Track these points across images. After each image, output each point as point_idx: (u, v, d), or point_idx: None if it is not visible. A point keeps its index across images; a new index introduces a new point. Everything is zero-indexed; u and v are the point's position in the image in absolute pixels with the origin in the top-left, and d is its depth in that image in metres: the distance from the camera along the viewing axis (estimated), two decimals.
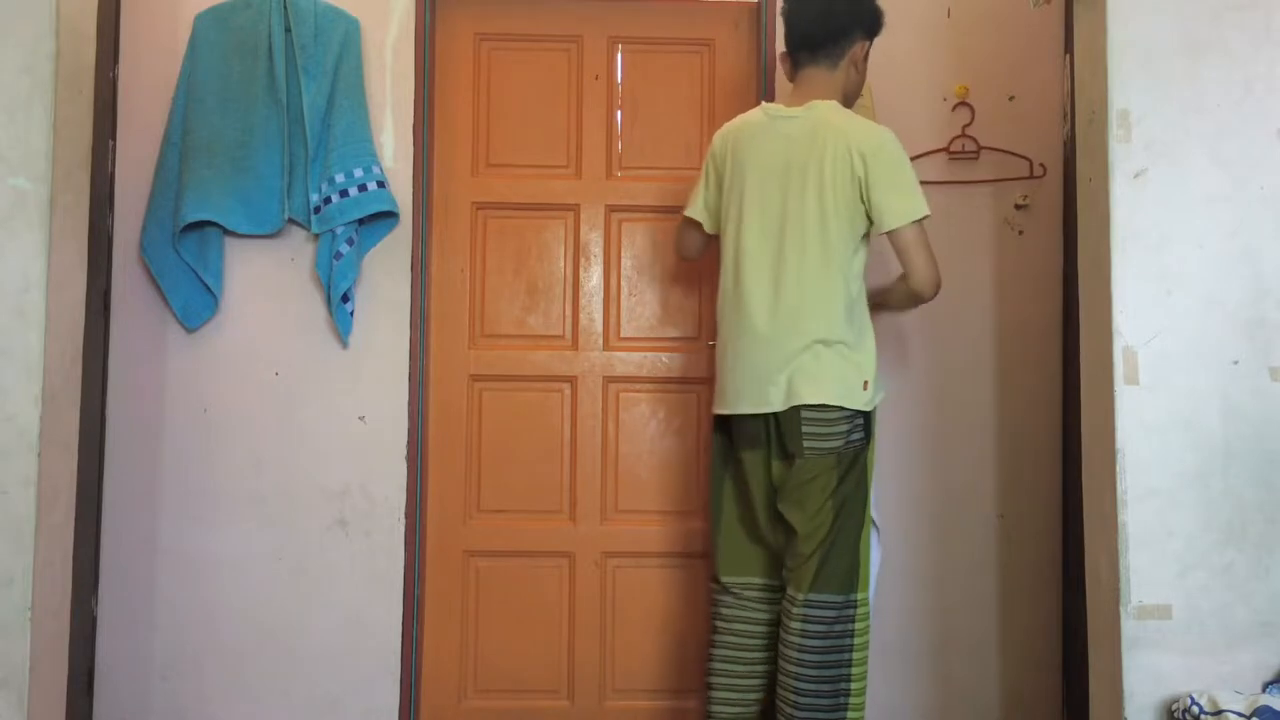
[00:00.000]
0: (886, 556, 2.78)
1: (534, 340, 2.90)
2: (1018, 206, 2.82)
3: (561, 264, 2.91)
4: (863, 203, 2.25)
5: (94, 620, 2.67)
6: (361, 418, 2.74)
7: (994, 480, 2.80)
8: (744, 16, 2.93)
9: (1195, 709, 1.92)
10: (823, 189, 2.25)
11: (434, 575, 2.84)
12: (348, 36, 2.73)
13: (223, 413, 2.73)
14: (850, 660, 2.22)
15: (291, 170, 2.68)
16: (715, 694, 2.36)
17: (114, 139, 2.73)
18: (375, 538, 2.73)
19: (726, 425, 2.39)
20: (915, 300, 2.35)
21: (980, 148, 2.80)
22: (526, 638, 2.84)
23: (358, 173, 2.67)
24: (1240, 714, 1.88)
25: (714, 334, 2.48)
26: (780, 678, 2.25)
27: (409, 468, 2.75)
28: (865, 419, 2.27)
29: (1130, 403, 2.03)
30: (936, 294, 2.32)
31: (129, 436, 2.71)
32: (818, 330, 2.24)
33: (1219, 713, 1.89)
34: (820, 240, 2.25)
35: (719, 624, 2.38)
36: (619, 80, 2.94)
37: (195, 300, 2.71)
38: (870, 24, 2.40)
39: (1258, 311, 2.06)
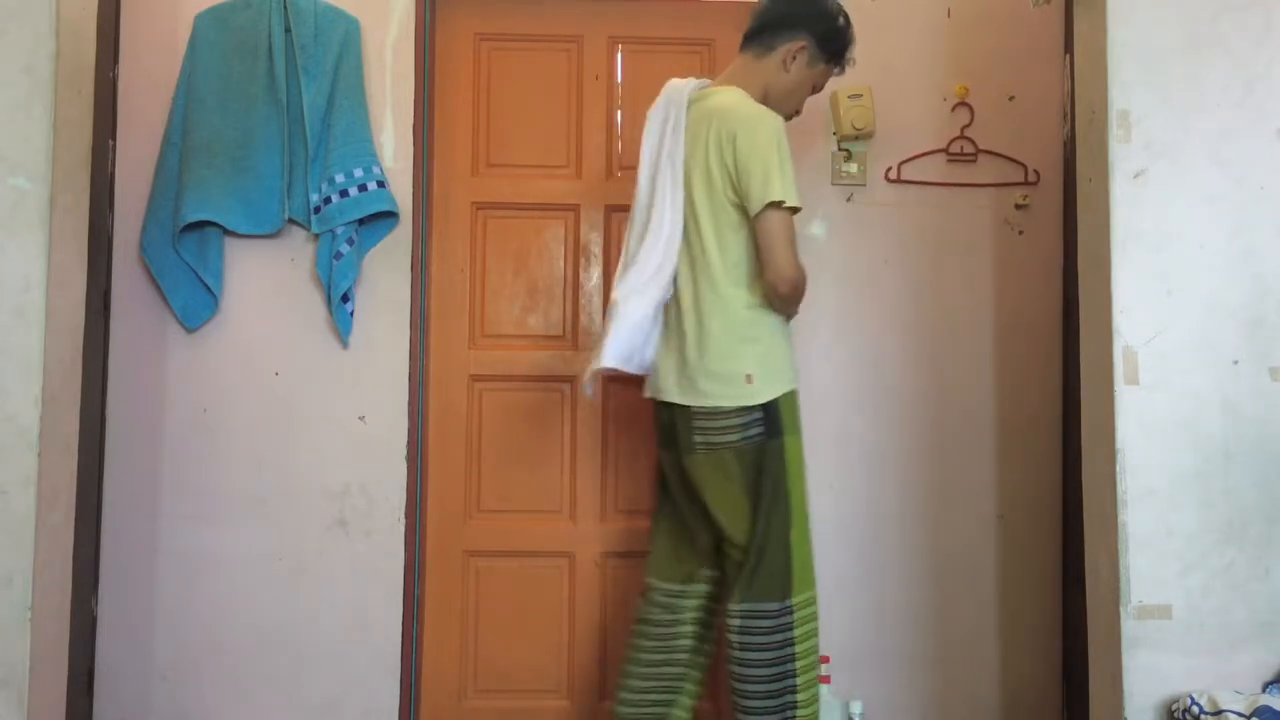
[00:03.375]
0: (887, 556, 2.79)
1: (534, 340, 2.90)
2: (1018, 206, 2.82)
3: (561, 264, 2.91)
4: (735, 192, 2.15)
5: (94, 620, 2.67)
6: (361, 418, 2.74)
7: (994, 480, 2.80)
8: (744, 16, 2.91)
9: (1195, 709, 1.92)
10: (709, 180, 2.18)
11: (434, 575, 2.84)
12: (348, 36, 2.73)
13: (223, 413, 2.73)
14: (795, 670, 2.15)
15: (291, 170, 2.68)
16: (622, 693, 2.31)
17: (114, 139, 2.73)
18: (375, 538, 2.73)
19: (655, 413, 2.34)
20: (773, 297, 2.16)
21: (978, 150, 2.80)
22: (526, 638, 2.84)
23: (358, 173, 2.67)
24: (1240, 714, 1.88)
25: None
26: (731, 690, 2.22)
27: (409, 468, 2.75)
28: (765, 411, 2.16)
29: (1130, 403, 2.03)
30: (793, 294, 2.16)
31: (129, 436, 2.71)
32: (707, 321, 2.17)
33: (1219, 713, 1.89)
34: (706, 233, 2.19)
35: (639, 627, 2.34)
36: (619, 80, 2.94)
37: (195, 300, 2.71)
38: (818, 27, 2.27)
39: (1258, 311, 2.06)
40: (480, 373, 2.87)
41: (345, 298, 2.68)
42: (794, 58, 2.27)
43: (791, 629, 2.15)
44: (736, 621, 2.16)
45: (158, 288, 2.71)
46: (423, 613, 2.82)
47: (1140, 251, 2.05)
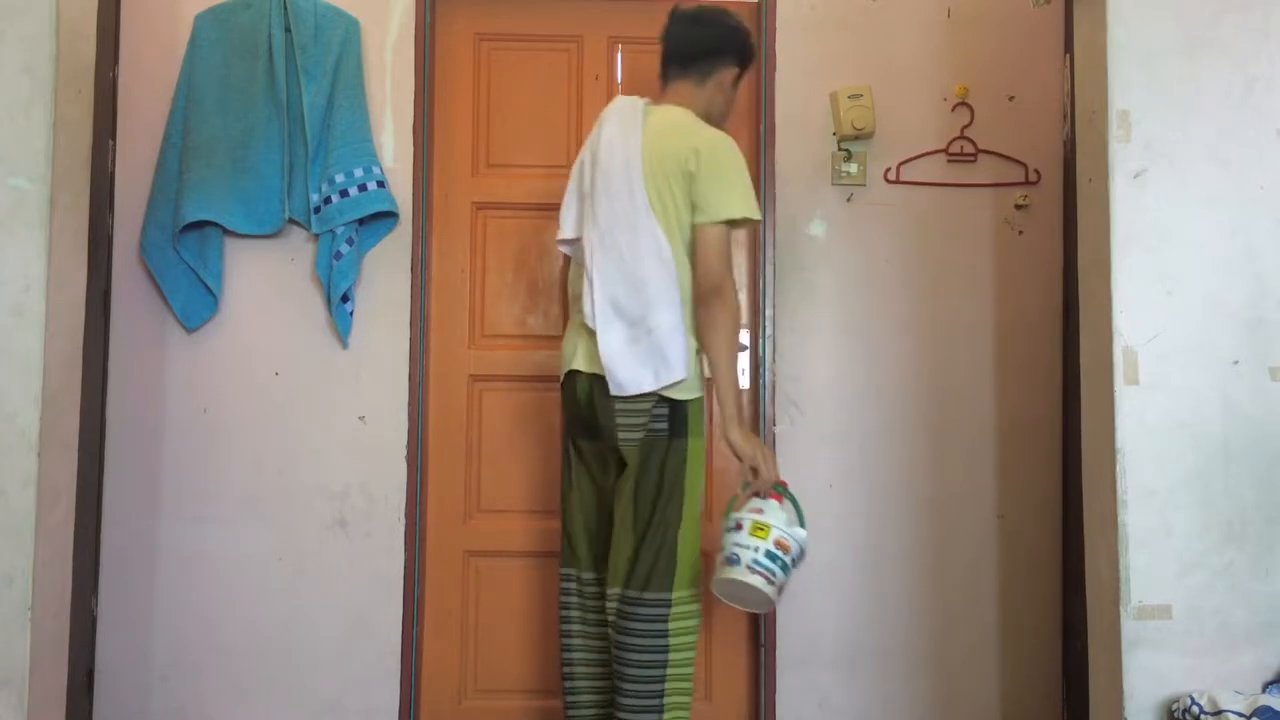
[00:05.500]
0: (887, 556, 2.79)
1: (534, 340, 2.90)
2: (1018, 206, 2.82)
3: (561, 264, 2.90)
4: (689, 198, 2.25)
5: (94, 620, 2.68)
6: (361, 418, 2.74)
7: (994, 480, 2.80)
8: (743, 17, 2.93)
9: (1195, 709, 1.92)
10: (657, 182, 2.25)
11: (434, 575, 2.84)
12: (348, 36, 2.73)
13: (223, 413, 2.73)
14: (666, 661, 2.19)
15: (291, 170, 2.68)
16: (568, 698, 2.36)
17: (114, 139, 2.73)
18: (375, 538, 2.73)
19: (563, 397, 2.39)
20: (698, 301, 2.24)
21: (978, 150, 2.81)
22: (526, 638, 2.84)
23: (358, 173, 2.67)
24: (1240, 714, 1.88)
25: None
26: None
27: (409, 468, 2.75)
28: (671, 408, 2.22)
29: (1130, 403, 2.03)
30: (718, 298, 2.20)
31: (129, 436, 2.71)
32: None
33: (1219, 713, 1.89)
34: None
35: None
36: (619, 80, 2.94)
37: (195, 300, 2.71)
38: (741, 53, 2.44)
39: (1258, 311, 2.06)
40: (480, 373, 2.87)
41: (345, 298, 2.68)
42: (729, 82, 2.44)
43: (667, 621, 2.19)
44: (614, 605, 2.23)
45: (158, 288, 2.72)
46: (423, 613, 2.82)
47: (1140, 251, 2.05)
